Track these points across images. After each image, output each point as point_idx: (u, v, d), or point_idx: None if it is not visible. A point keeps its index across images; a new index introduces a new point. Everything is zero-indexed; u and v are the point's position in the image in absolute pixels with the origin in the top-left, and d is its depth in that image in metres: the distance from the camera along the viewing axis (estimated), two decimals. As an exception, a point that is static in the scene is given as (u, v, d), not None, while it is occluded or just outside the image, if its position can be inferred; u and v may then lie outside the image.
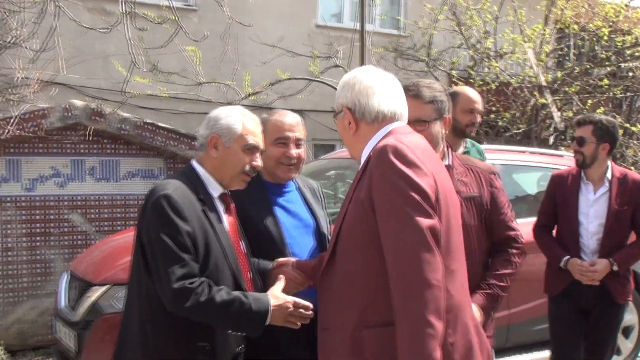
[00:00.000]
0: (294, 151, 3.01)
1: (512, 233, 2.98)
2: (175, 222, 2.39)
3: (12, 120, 5.95)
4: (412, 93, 2.75)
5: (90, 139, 6.41)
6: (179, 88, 8.69)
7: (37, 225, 6.31)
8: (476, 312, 2.62)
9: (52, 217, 6.35)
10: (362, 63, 8.38)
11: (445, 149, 2.98)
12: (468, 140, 4.24)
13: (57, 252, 6.35)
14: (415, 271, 1.98)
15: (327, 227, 3.12)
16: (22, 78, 6.36)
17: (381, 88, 2.30)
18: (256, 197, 3.00)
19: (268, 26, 10.14)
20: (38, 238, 6.31)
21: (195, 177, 2.62)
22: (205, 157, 2.66)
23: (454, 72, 9.76)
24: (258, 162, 2.68)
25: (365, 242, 2.14)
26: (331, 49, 9.33)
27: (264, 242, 2.94)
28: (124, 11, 6.06)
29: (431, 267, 1.98)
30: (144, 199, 2.53)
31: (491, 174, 3.01)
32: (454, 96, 4.03)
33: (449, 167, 2.85)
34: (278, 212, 3.02)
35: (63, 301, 4.88)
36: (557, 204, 4.20)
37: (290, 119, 3.06)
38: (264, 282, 2.83)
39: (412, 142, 2.19)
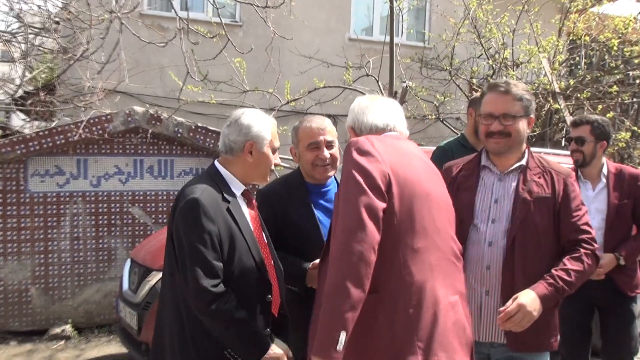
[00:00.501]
0: (326, 153, 2.98)
1: (584, 236, 2.74)
2: (202, 224, 2.37)
3: (81, 125, 6.07)
4: (503, 89, 2.72)
5: (149, 141, 6.50)
6: (226, 95, 8.76)
7: (102, 217, 6.38)
8: (533, 299, 2.48)
9: (115, 210, 6.44)
10: (391, 72, 8.37)
11: (526, 150, 2.83)
12: None
13: (119, 241, 6.44)
14: (343, 241, 2.03)
15: None
16: (89, 87, 6.49)
17: (374, 107, 2.48)
18: (298, 201, 2.98)
19: (306, 40, 10.18)
20: (103, 229, 6.39)
21: (219, 177, 2.59)
22: (234, 160, 2.62)
23: (474, 80, 9.69)
24: (277, 159, 2.71)
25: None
26: (363, 60, 9.32)
27: (306, 244, 2.92)
28: (179, 27, 6.16)
29: (357, 239, 2.01)
30: (174, 200, 2.53)
31: (568, 177, 2.79)
32: (476, 101, 4.04)
33: (524, 168, 2.76)
34: (318, 213, 2.98)
35: (126, 284, 4.97)
36: None
37: (318, 123, 3.03)
38: (302, 281, 2.85)
39: (380, 139, 2.31)
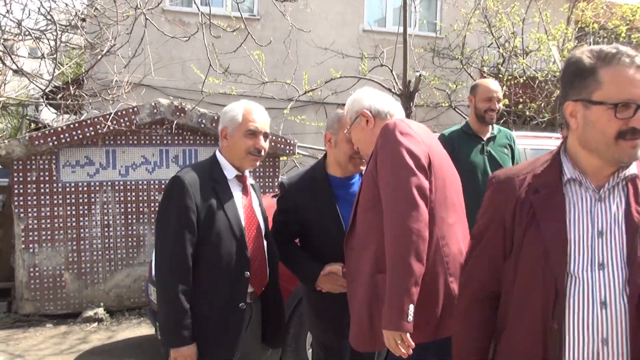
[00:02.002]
0: None
1: None
2: (177, 198, 2.50)
3: (109, 117, 6.13)
4: None
5: (174, 132, 6.55)
6: (246, 87, 8.80)
7: (131, 205, 6.43)
8: None
9: (143, 198, 6.49)
10: (405, 62, 8.35)
11: None
12: (495, 126, 4.18)
13: (147, 228, 6.51)
14: (399, 222, 2.09)
15: None
16: (116, 81, 6.53)
17: (381, 96, 2.62)
18: (320, 195, 2.87)
19: (321, 32, 10.18)
20: (132, 216, 6.46)
21: (215, 162, 2.71)
22: (222, 147, 2.75)
23: (485, 69, 9.63)
24: (261, 144, 2.70)
25: (372, 205, 2.28)
26: (377, 51, 9.30)
27: (326, 238, 2.83)
28: (202, 22, 6.18)
29: (412, 218, 2.08)
30: None
31: None
32: (474, 87, 4.15)
33: (634, 178, 1.70)
34: (340, 207, 2.85)
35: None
36: None
37: None
38: (312, 283, 2.82)
39: (410, 122, 2.39)
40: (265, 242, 2.77)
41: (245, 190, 2.73)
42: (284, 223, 2.97)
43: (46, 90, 6.90)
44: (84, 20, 7.34)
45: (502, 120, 4.47)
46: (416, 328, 2.12)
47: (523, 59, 9.17)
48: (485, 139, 4.08)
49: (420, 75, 7.99)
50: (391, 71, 8.63)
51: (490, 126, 4.14)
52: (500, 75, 9.04)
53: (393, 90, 8.69)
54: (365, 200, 2.34)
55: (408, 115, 8.44)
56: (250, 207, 2.72)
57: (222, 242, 2.54)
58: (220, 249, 2.53)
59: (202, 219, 2.52)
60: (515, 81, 8.78)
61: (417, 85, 8.22)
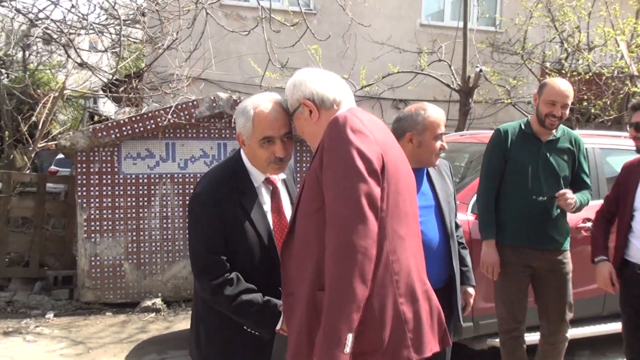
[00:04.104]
0: (445, 143, 2.92)
1: None
2: (202, 220, 2.29)
3: (169, 110, 6.19)
4: None
5: (232, 125, 6.57)
6: (302, 81, 8.77)
7: (189, 197, 6.48)
8: None
9: (201, 191, 6.53)
10: (464, 57, 8.18)
11: None
12: (561, 127, 3.75)
13: (205, 221, 6.53)
14: (344, 237, 1.82)
15: (448, 206, 2.93)
16: (176, 75, 6.61)
17: (327, 80, 2.18)
18: None
19: (378, 26, 10.06)
20: (190, 208, 6.50)
21: (241, 166, 2.39)
22: (244, 151, 2.42)
23: (547, 64, 9.35)
24: (281, 151, 2.32)
25: (315, 210, 1.98)
26: (435, 46, 9.14)
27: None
28: (261, 16, 6.19)
29: (359, 234, 1.82)
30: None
31: None
32: (542, 86, 3.72)
33: None
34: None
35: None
36: (620, 192, 3.54)
37: (442, 115, 2.93)
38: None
39: (363, 115, 2.05)
40: None
41: (275, 193, 2.51)
42: None
43: (108, 83, 7.04)
44: (143, 14, 7.46)
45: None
46: (359, 357, 1.90)
47: (588, 54, 8.85)
48: (544, 141, 3.70)
49: (480, 71, 7.81)
50: (450, 66, 8.46)
51: (550, 130, 3.82)
52: (563, 71, 8.76)
53: (451, 85, 8.53)
54: (306, 203, 2.03)
55: (466, 112, 8.27)
56: (279, 210, 2.50)
57: (252, 257, 2.36)
58: (250, 263, 2.36)
59: (229, 234, 2.31)
60: (579, 77, 8.48)
61: (476, 81, 8.04)
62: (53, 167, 13.55)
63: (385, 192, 1.94)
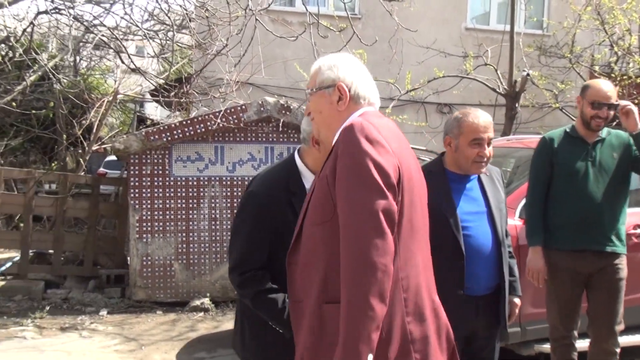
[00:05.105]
0: (487, 150, 2.89)
1: None
2: (249, 218, 2.41)
3: (219, 114, 6.38)
4: None
5: (280, 129, 6.71)
6: (347, 86, 8.86)
7: (237, 200, 6.60)
8: None
9: (248, 193, 6.69)
10: (511, 61, 8.15)
11: None
12: (605, 128, 3.73)
13: (252, 223, 6.68)
14: (363, 253, 1.75)
15: (500, 213, 2.96)
16: (226, 79, 6.78)
17: (366, 75, 2.12)
18: (437, 186, 2.85)
19: (423, 30, 10.08)
20: (237, 211, 6.67)
21: (293, 169, 2.49)
22: (307, 150, 2.49)
23: (596, 68, 9.22)
24: None
25: (324, 219, 1.90)
26: (480, 49, 9.12)
27: (441, 226, 2.79)
28: (309, 22, 6.31)
29: (379, 251, 1.75)
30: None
31: None
32: (584, 89, 3.73)
33: None
34: (456, 199, 2.90)
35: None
36: None
37: (484, 119, 2.91)
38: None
39: (380, 122, 1.95)
40: None
41: None
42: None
43: (160, 88, 7.27)
44: (190, 20, 7.68)
45: (614, 122, 4.21)
46: None
47: (639, 57, 8.70)
48: (591, 142, 3.71)
49: (527, 75, 7.78)
50: (496, 70, 8.44)
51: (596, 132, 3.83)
52: (613, 75, 8.63)
53: (498, 90, 8.50)
54: (316, 211, 1.95)
55: (512, 117, 8.24)
56: None
57: None
58: None
59: (276, 233, 2.40)
60: (630, 81, 8.35)
61: (523, 85, 8.00)
62: (102, 169, 13.97)
63: (400, 205, 1.87)
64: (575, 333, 3.76)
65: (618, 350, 3.71)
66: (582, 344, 3.96)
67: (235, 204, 6.65)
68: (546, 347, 4.24)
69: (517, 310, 3.10)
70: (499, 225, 2.91)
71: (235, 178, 6.66)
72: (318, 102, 2.10)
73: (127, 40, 8.05)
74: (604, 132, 3.75)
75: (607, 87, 3.64)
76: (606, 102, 3.59)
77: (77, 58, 11.30)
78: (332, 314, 1.83)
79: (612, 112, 3.61)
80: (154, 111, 19.42)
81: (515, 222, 4.28)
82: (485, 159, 2.91)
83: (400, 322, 1.88)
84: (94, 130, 7.84)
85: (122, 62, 7.30)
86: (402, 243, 1.89)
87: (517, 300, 3.09)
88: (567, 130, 3.81)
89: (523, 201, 4.46)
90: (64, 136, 8.78)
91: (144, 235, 6.44)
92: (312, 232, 1.95)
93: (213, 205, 6.61)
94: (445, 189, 2.93)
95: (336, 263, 1.82)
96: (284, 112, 6.64)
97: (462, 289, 2.82)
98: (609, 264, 3.63)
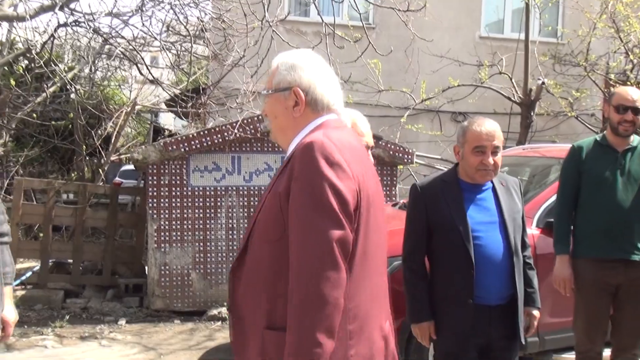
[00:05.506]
0: (490, 159, 2.90)
1: None
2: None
3: (236, 125, 6.46)
4: None
5: (296, 139, 6.75)
6: (361, 95, 8.94)
7: (254, 210, 6.70)
8: None
9: (265, 203, 6.75)
10: (526, 70, 8.19)
11: None
12: (637, 137, 3.74)
13: (268, 232, 6.74)
14: (314, 286, 1.65)
15: (514, 223, 2.97)
16: (243, 90, 6.88)
17: (329, 77, 1.95)
18: (449, 196, 2.96)
19: (437, 39, 10.14)
20: (254, 220, 6.73)
21: None
22: None
23: (611, 76, 9.22)
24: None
25: (275, 237, 1.78)
26: (494, 58, 9.16)
27: (452, 235, 2.89)
28: (325, 32, 6.40)
29: (331, 284, 1.66)
30: None
31: None
32: (610, 96, 3.77)
33: None
34: (468, 208, 2.93)
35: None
36: None
37: (488, 128, 2.91)
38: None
39: (341, 140, 1.80)
40: None
41: None
42: (415, 244, 3.06)
43: (178, 100, 7.38)
44: (204, 30, 7.79)
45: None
46: None
47: (655, 65, 8.71)
48: (620, 151, 3.71)
49: (542, 83, 7.81)
50: (511, 79, 8.47)
51: (629, 138, 3.86)
52: (629, 82, 8.62)
53: (512, 98, 8.54)
54: (266, 227, 1.81)
55: (527, 125, 8.26)
56: None
57: None
58: None
59: None
60: (646, 89, 8.34)
61: (538, 94, 8.03)
62: (117, 179, 14.12)
63: (355, 233, 1.76)
64: (601, 348, 3.69)
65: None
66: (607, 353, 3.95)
67: (252, 214, 6.70)
68: (565, 357, 4.25)
69: (535, 323, 3.09)
70: (511, 236, 2.92)
71: (252, 188, 6.73)
72: (273, 105, 1.94)
73: (144, 51, 8.18)
74: (635, 141, 3.74)
75: (632, 92, 3.67)
76: (631, 105, 3.60)
77: (93, 69, 11.48)
78: (275, 342, 1.74)
79: (639, 117, 3.62)
80: (169, 121, 19.59)
81: (532, 232, 4.30)
82: (490, 168, 2.92)
83: (342, 356, 1.75)
84: (113, 141, 7.95)
85: (140, 73, 7.42)
86: (354, 270, 1.78)
87: (535, 312, 3.09)
88: (597, 139, 3.81)
89: (540, 210, 4.52)
90: (83, 147, 8.91)
91: (162, 245, 6.51)
92: (259, 248, 1.83)
93: (230, 215, 6.68)
94: (457, 198, 2.97)
95: (282, 287, 1.73)
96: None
97: (472, 298, 2.85)
98: (638, 277, 3.55)
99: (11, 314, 2.69)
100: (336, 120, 1.92)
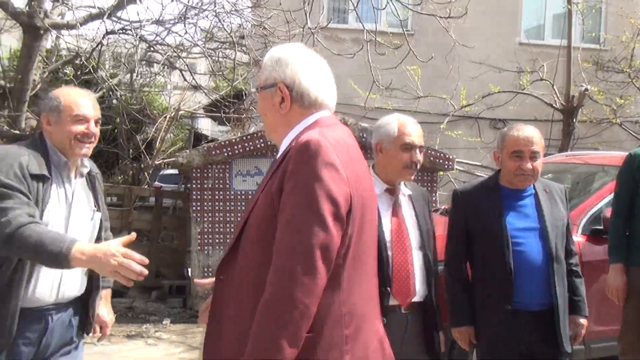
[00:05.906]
0: (528, 164, 2.91)
1: None
2: None
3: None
4: None
5: (336, 145, 6.83)
6: (400, 101, 9.00)
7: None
8: None
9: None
10: (568, 76, 8.14)
11: None
12: None
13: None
14: (285, 288, 1.57)
15: (556, 230, 2.96)
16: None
17: (319, 71, 1.87)
18: (490, 201, 2.99)
19: (476, 45, 10.15)
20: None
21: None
22: (376, 161, 2.82)
23: (656, 81, 9.11)
24: (417, 157, 2.75)
25: (264, 238, 1.70)
26: (535, 64, 9.13)
27: (490, 241, 2.93)
28: (367, 39, 6.48)
29: (304, 290, 1.57)
30: None
31: None
32: None
33: None
34: (507, 214, 2.95)
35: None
36: None
37: (526, 133, 2.94)
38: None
39: (336, 139, 1.74)
40: (416, 256, 2.80)
41: (396, 204, 2.80)
42: (455, 249, 3.10)
43: (219, 104, 7.54)
44: (242, 37, 7.94)
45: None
46: None
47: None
48: None
49: (585, 90, 7.76)
50: (552, 85, 8.42)
51: None
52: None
53: (554, 105, 8.49)
54: (256, 229, 1.73)
55: (569, 132, 8.20)
56: (399, 221, 2.77)
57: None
58: None
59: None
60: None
61: (581, 100, 7.98)
62: (157, 183, 14.40)
63: (347, 237, 1.70)
64: None
65: None
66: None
67: (292, 218, 6.80)
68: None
69: (582, 331, 3.06)
70: (552, 242, 2.92)
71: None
72: (262, 103, 1.90)
73: (187, 58, 8.37)
74: None
75: None
76: None
77: (134, 75, 11.77)
78: None
79: None
80: (206, 126, 19.89)
81: (577, 239, 4.30)
82: (529, 173, 2.93)
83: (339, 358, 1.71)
84: (157, 145, 8.15)
85: (184, 79, 7.60)
86: (346, 276, 1.72)
87: (582, 321, 3.05)
88: None
89: (586, 217, 4.52)
90: (129, 151, 9.15)
91: (205, 247, 6.66)
92: (247, 251, 1.75)
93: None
94: (497, 204, 2.99)
95: None
96: (341, 127, 6.77)
97: (510, 304, 2.86)
98: None
99: (108, 316, 2.83)
100: (330, 118, 1.85)
